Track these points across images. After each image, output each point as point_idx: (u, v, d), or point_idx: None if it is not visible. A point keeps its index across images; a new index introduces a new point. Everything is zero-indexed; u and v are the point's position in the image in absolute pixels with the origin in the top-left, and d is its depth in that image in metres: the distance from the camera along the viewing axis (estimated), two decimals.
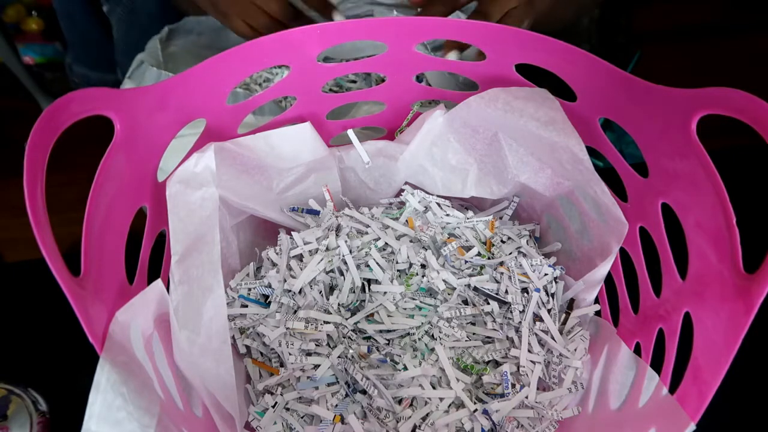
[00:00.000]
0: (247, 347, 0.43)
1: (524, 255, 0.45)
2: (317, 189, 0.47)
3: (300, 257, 0.44)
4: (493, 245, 0.44)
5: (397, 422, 0.39)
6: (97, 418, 0.28)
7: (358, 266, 0.43)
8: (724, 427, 0.47)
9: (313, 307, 0.41)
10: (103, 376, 0.28)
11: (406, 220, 0.46)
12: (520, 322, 0.41)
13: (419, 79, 0.67)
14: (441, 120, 0.44)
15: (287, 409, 0.40)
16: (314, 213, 0.47)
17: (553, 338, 0.41)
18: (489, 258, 0.44)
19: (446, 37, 0.38)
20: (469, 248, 0.44)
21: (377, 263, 0.43)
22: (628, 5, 0.86)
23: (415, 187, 0.47)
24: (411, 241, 0.45)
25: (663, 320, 0.36)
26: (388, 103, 0.46)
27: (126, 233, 0.35)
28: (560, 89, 0.40)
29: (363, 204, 0.48)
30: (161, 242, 0.40)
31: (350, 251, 0.43)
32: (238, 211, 0.44)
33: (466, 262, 0.43)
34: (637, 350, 0.38)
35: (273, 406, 0.40)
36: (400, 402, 0.40)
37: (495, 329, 0.42)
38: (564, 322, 0.43)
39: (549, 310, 0.43)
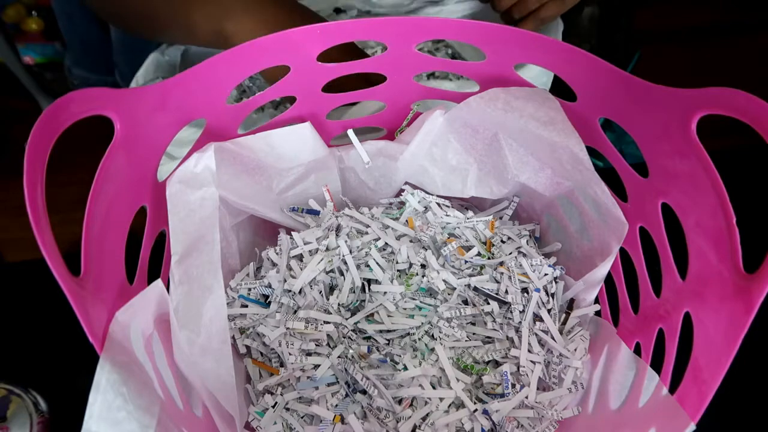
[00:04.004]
0: (247, 347, 0.43)
1: (524, 255, 0.45)
2: (317, 189, 0.47)
3: (300, 257, 0.44)
4: (493, 245, 0.44)
5: (397, 422, 0.39)
6: (97, 418, 0.28)
7: (358, 266, 0.43)
8: (724, 427, 0.47)
9: (313, 307, 0.41)
10: (103, 376, 0.28)
11: (406, 220, 0.46)
12: (520, 322, 0.41)
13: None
14: (441, 120, 0.44)
15: (287, 409, 0.40)
16: (314, 213, 0.47)
17: (553, 338, 0.41)
18: (489, 258, 0.44)
19: (446, 37, 0.38)
20: (469, 248, 0.44)
21: (377, 263, 0.43)
22: (628, 5, 0.86)
23: (415, 187, 0.47)
24: (411, 241, 0.45)
25: (663, 320, 0.36)
26: (388, 103, 0.46)
27: (126, 233, 0.35)
28: (560, 89, 0.40)
29: (363, 204, 0.48)
30: (161, 242, 0.40)
31: (350, 251, 0.43)
32: (238, 211, 0.44)
33: (466, 262, 0.43)
34: (637, 350, 0.38)
35: (273, 406, 0.40)
36: (400, 402, 0.40)
37: (495, 329, 0.42)
38: (564, 322, 0.43)
39: (549, 310, 0.43)
